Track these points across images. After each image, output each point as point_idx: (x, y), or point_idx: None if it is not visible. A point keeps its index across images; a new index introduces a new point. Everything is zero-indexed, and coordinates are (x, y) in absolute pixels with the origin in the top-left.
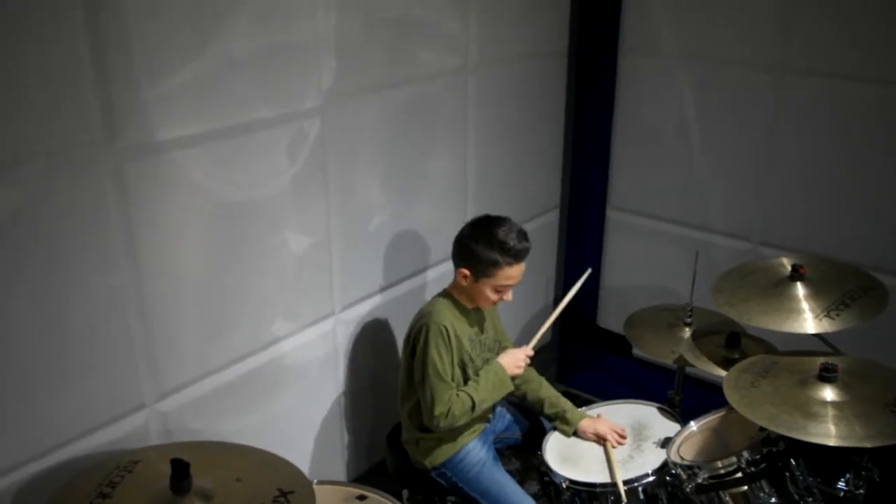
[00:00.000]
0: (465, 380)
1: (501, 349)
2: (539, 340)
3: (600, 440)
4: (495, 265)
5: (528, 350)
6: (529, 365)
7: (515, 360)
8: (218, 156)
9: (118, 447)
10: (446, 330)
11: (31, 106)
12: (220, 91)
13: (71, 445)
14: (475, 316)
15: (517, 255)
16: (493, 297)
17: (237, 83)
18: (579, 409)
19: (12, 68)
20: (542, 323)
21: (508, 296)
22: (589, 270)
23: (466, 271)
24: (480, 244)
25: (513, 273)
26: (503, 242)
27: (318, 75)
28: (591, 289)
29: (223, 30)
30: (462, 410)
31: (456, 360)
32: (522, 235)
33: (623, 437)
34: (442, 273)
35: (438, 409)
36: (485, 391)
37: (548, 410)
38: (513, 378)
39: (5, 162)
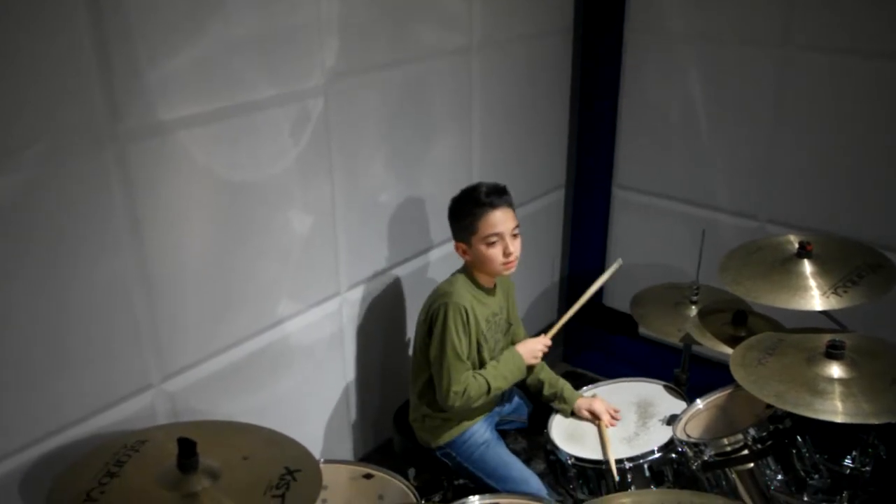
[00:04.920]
0: (480, 359)
1: (512, 333)
2: (559, 331)
3: (595, 419)
4: (474, 219)
5: (546, 340)
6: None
7: (533, 350)
8: (221, 136)
9: (125, 428)
10: (465, 311)
11: (32, 91)
12: (223, 71)
13: (78, 426)
14: (492, 295)
15: (489, 202)
16: (493, 253)
17: (240, 63)
18: (576, 391)
19: (13, 54)
20: (564, 313)
21: (510, 247)
22: (619, 261)
23: (461, 244)
24: (458, 211)
25: (493, 220)
26: (474, 196)
27: (321, 54)
28: (597, 268)
29: (225, 9)
30: (478, 393)
31: (473, 341)
32: (493, 186)
33: (616, 417)
34: (447, 252)
35: (455, 388)
36: (501, 378)
37: (546, 391)
38: (528, 367)
39: (8, 147)
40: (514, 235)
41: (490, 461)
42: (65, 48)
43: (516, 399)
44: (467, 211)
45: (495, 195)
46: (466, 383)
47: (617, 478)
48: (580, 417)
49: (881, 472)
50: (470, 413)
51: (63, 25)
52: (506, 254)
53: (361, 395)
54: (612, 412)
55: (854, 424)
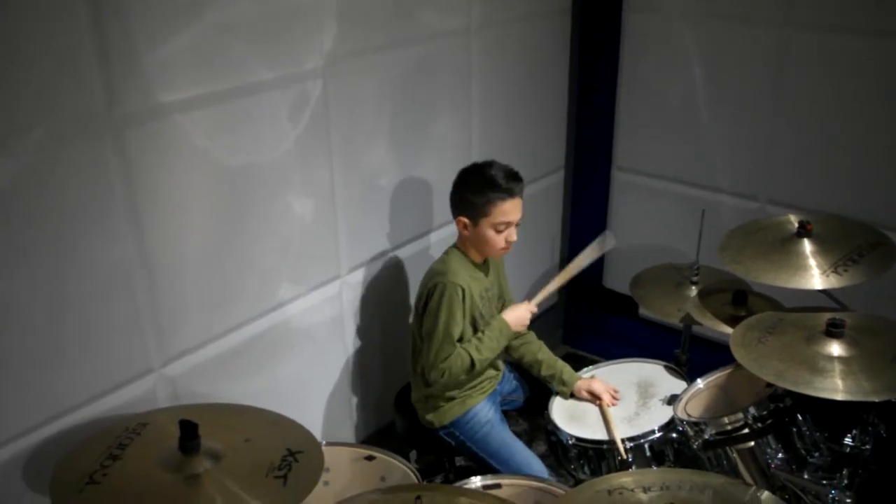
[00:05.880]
0: (475, 333)
1: (501, 306)
2: (545, 298)
3: (595, 399)
4: (489, 202)
5: (532, 307)
6: (528, 329)
7: (521, 318)
8: (219, 119)
9: (127, 412)
10: (462, 290)
11: (29, 75)
12: (221, 53)
13: (80, 410)
14: (485, 270)
15: (509, 189)
16: (497, 238)
17: (238, 45)
18: (576, 373)
19: (11, 38)
20: (550, 281)
21: (513, 235)
22: (610, 237)
23: (465, 219)
24: (471, 187)
25: (508, 208)
26: (492, 179)
27: (320, 37)
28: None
29: None
30: (461, 368)
31: (468, 318)
32: (511, 172)
33: (616, 397)
34: (447, 234)
35: (439, 365)
36: (487, 349)
37: (544, 372)
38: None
39: (5, 132)
40: (517, 225)
41: (493, 442)
42: (61, 33)
43: (514, 381)
44: (482, 192)
45: (513, 182)
46: (449, 360)
47: (624, 455)
48: (580, 399)
49: (881, 450)
50: (472, 391)
51: (59, 10)
52: (507, 241)
53: (362, 377)
54: (611, 392)
55: (854, 402)
